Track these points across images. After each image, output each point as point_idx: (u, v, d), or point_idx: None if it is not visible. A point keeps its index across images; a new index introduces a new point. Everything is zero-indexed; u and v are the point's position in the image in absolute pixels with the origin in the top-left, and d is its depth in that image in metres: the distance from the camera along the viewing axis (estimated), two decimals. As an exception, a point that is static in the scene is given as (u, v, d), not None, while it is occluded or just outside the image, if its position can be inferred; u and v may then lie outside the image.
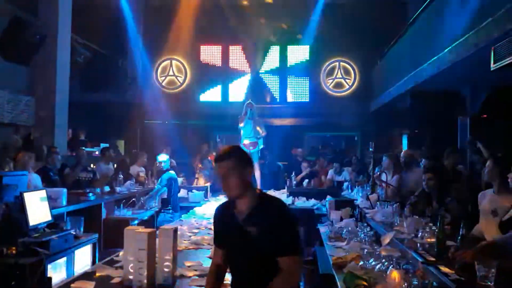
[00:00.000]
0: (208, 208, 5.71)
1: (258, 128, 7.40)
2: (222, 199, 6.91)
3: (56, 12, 8.13)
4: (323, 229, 4.67)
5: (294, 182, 8.13)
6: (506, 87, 6.71)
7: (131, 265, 2.50)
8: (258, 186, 7.69)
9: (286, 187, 7.93)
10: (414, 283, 2.38)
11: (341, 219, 4.79)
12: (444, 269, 2.33)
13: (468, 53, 5.40)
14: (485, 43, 4.97)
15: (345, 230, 4.09)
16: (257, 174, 7.75)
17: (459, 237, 2.46)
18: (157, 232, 2.63)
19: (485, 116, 9.17)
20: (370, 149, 6.44)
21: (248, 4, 12.74)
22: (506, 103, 7.57)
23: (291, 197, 7.16)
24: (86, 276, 2.75)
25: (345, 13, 12.22)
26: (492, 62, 5.01)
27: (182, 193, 7.08)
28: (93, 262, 3.94)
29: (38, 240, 3.36)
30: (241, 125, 7.48)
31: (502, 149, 5.60)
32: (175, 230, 2.61)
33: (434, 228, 3.21)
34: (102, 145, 9.55)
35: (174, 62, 13.41)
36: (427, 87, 7.71)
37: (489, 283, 2.05)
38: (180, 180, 7.59)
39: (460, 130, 9.77)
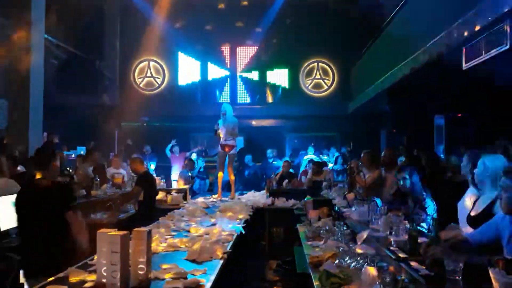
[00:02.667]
0: (186, 211, 5.66)
1: (232, 130, 7.36)
2: (201, 201, 6.90)
3: (28, 13, 7.97)
4: (301, 228, 4.69)
5: (274, 183, 8.14)
6: (479, 87, 6.86)
7: (104, 268, 2.46)
8: (232, 190, 7.65)
9: (265, 188, 7.94)
10: (387, 279, 2.42)
11: (319, 219, 4.81)
12: (415, 265, 2.37)
13: (440, 53, 5.51)
14: (457, 43, 5.08)
15: (322, 229, 4.11)
16: (231, 178, 7.71)
17: (431, 234, 2.50)
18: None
19: (460, 115, 9.39)
20: (348, 149, 6.50)
21: (224, 7, 12.74)
22: (479, 102, 7.76)
23: (271, 198, 7.17)
24: (59, 280, 2.70)
25: (324, 13, 12.34)
26: (463, 62, 5.13)
27: (161, 195, 7.01)
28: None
29: (9, 245, 3.28)
30: (218, 131, 7.42)
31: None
32: (149, 232, 2.59)
33: (408, 226, 3.26)
34: (79, 148, 9.39)
35: (152, 63, 13.30)
36: (403, 87, 7.83)
37: (457, 277, 2.09)
38: (158, 182, 7.53)
39: (436, 129, 9.98)
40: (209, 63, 13.39)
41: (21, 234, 3.34)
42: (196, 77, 13.40)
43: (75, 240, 3.31)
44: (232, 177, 7.69)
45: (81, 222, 3.48)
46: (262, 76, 13.43)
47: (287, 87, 13.42)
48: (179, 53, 13.34)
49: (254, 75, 13.44)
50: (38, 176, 3.48)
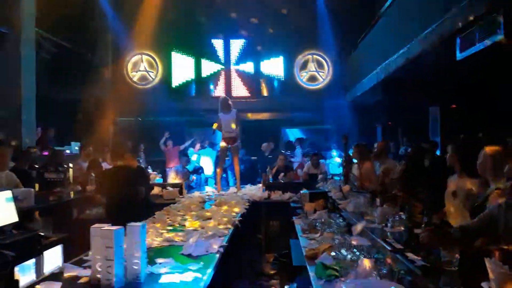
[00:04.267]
0: (182, 206, 5.65)
1: (232, 123, 7.34)
2: (197, 195, 6.88)
3: (18, 6, 7.87)
4: (297, 221, 4.69)
5: (270, 176, 8.14)
6: (473, 77, 6.86)
7: (99, 263, 2.45)
8: (238, 182, 7.66)
9: (262, 181, 7.94)
10: (383, 271, 2.42)
11: (315, 211, 4.81)
12: (411, 256, 2.37)
13: (435, 43, 5.49)
14: (451, 33, 5.06)
15: (318, 222, 4.11)
16: (236, 169, 7.71)
17: (423, 225, 2.50)
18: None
19: (455, 106, 9.41)
20: (343, 141, 6.49)
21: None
22: (474, 93, 7.76)
23: (267, 191, 7.16)
24: (53, 276, 2.69)
25: (318, 5, 12.28)
26: (458, 51, 5.11)
27: (156, 190, 6.99)
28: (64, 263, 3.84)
29: (3, 242, 3.25)
30: (215, 126, 7.39)
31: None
32: (143, 227, 2.57)
33: (403, 217, 3.26)
34: (73, 143, 9.33)
35: (145, 57, 13.20)
36: (398, 78, 7.82)
37: (453, 268, 2.09)
38: (153, 176, 7.50)
39: (432, 119, 9.99)
40: (203, 57, 13.30)
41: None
42: (190, 70, 13.32)
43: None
44: (238, 169, 7.67)
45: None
46: (257, 69, 13.37)
47: (282, 80, 13.38)
48: (173, 51, 13.23)
49: (249, 68, 13.38)
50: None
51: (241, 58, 13.36)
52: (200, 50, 13.29)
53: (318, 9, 12.40)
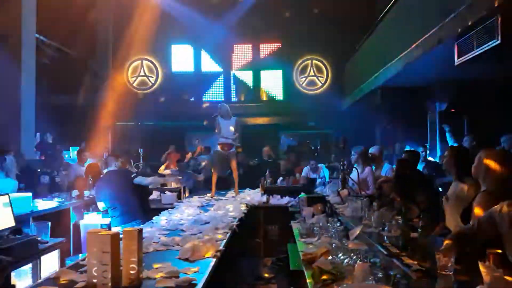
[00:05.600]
0: (180, 210, 5.64)
1: (231, 129, 7.34)
2: (196, 200, 6.87)
3: (19, 12, 7.90)
4: (295, 225, 4.69)
5: (268, 181, 8.13)
6: (471, 82, 6.88)
7: (95, 268, 2.44)
8: (236, 187, 7.64)
9: (260, 186, 7.93)
10: (379, 275, 2.42)
11: (313, 216, 4.81)
12: (407, 260, 2.37)
13: (433, 49, 5.51)
14: (449, 38, 5.08)
15: (316, 226, 4.11)
16: (235, 174, 7.69)
17: (419, 229, 2.50)
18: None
19: (453, 110, 9.41)
20: (341, 145, 6.49)
21: (218, 3, 12.68)
22: (471, 98, 7.77)
23: (265, 195, 7.15)
24: (50, 281, 2.67)
25: (317, 11, 12.33)
26: (456, 57, 5.13)
27: (155, 195, 6.98)
28: (60, 267, 3.84)
29: (0, 247, 3.25)
30: (221, 134, 7.39)
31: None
32: (140, 232, 2.56)
33: (400, 221, 3.26)
34: (72, 148, 9.34)
35: (145, 62, 13.24)
36: (397, 83, 7.84)
37: (449, 272, 2.09)
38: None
39: (430, 124, 10.00)
40: (202, 62, 13.34)
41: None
42: (190, 77, 13.35)
43: None
44: (236, 173, 7.65)
45: None
46: (256, 73, 13.40)
47: (281, 84, 13.41)
48: (172, 46, 13.25)
49: (248, 73, 13.41)
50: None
51: (241, 63, 13.39)
52: (199, 56, 13.33)
53: (317, 14, 12.45)
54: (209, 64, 13.41)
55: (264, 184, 7.72)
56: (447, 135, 5.29)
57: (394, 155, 8.60)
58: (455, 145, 4.36)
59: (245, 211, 5.74)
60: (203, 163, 8.87)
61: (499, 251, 1.98)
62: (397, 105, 9.88)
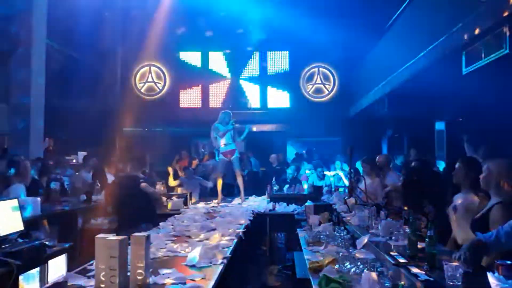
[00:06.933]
0: (187, 216, 5.65)
1: (232, 137, 7.39)
2: (202, 206, 6.89)
3: (30, 18, 8.01)
4: (302, 233, 4.68)
5: (275, 188, 8.13)
6: (479, 91, 6.85)
7: (103, 273, 2.46)
8: (242, 193, 7.65)
9: (266, 193, 7.93)
10: (386, 284, 2.41)
11: (320, 224, 4.80)
12: (415, 270, 2.36)
13: (441, 57, 5.51)
14: (457, 47, 5.08)
15: (323, 235, 4.10)
16: (240, 180, 7.71)
17: (427, 238, 2.49)
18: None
19: (460, 119, 9.37)
20: (348, 152, 6.49)
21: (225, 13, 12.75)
22: (479, 107, 7.73)
23: (271, 203, 7.15)
24: (57, 286, 2.70)
25: (324, 18, 12.35)
26: (463, 66, 5.13)
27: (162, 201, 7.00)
28: (68, 272, 3.86)
29: (9, 251, 3.27)
30: (222, 141, 7.42)
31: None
32: (148, 237, 2.58)
33: (408, 230, 3.25)
34: (80, 153, 9.39)
35: (153, 68, 13.34)
36: (404, 92, 7.83)
37: (457, 283, 2.08)
38: (159, 187, 7.51)
39: (437, 133, 9.96)
40: (209, 68, 13.42)
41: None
42: (197, 83, 13.43)
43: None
44: (241, 180, 7.66)
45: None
46: (263, 81, 13.44)
47: (287, 92, 13.44)
48: (180, 58, 13.38)
49: (254, 80, 13.46)
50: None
51: (247, 70, 13.45)
52: (206, 61, 13.42)
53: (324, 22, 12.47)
54: (216, 71, 13.47)
55: (270, 192, 7.72)
56: (465, 145, 5.25)
57: (403, 162, 8.56)
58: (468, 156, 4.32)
59: (251, 218, 5.74)
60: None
61: (509, 262, 1.97)
62: (404, 113, 9.86)
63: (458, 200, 3.18)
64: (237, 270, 4.69)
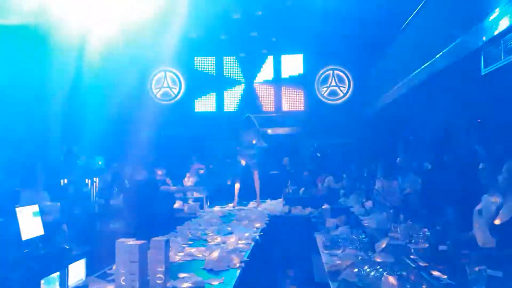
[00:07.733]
0: (204, 220, 5.67)
1: (253, 141, 7.42)
2: (218, 209, 6.91)
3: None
4: (319, 237, 4.65)
5: (290, 191, 8.10)
6: (499, 91, 6.73)
7: (123, 277, 2.48)
8: (258, 197, 7.65)
9: (282, 196, 7.91)
10: (407, 288, 2.38)
11: (337, 227, 4.77)
12: (436, 273, 2.33)
13: (459, 58, 5.43)
14: (475, 47, 5.00)
15: (340, 238, 4.07)
16: (257, 184, 7.72)
17: (448, 241, 2.45)
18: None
19: (479, 120, 9.21)
20: (364, 157, 6.45)
21: (239, 16, 12.76)
22: (498, 108, 7.60)
23: (287, 206, 7.12)
24: (78, 290, 2.73)
25: (337, 20, 12.30)
26: (482, 66, 5.04)
27: (178, 204, 7.04)
28: (88, 276, 3.90)
29: (30, 255, 3.33)
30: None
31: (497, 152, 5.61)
32: (167, 242, 2.60)
33: (428, 233, 3.21)
34: (97, 157, 9.52)
35: (168, 73, 13.45)
36: (420, 93, 7.73)
37: (479, 286, 2.04)
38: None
39: (455, 135, 9.79)
40: (223, 73, 13.48)
41: None
42: (211, 86, 13.50)
43: None
44: (258, 184, 7.68)
45: None
46: (277, 83, 13.43)
47: (302, 94, 13.41)
48: (195, 63, 13.47)
49: (269, 83, 13.46)
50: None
51: (262, 74, 13.46)
52: (221, 66, 13.49)
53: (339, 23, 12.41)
54: (231, 75, 13.53)
55: (286, 195, 7.71)
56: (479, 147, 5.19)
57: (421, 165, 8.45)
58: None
59: (268, 222, 5.74)
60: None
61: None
62: (421, 115, 9.73)
63: (482, 202, 3.11)
64: (254, 274, 4.68)
